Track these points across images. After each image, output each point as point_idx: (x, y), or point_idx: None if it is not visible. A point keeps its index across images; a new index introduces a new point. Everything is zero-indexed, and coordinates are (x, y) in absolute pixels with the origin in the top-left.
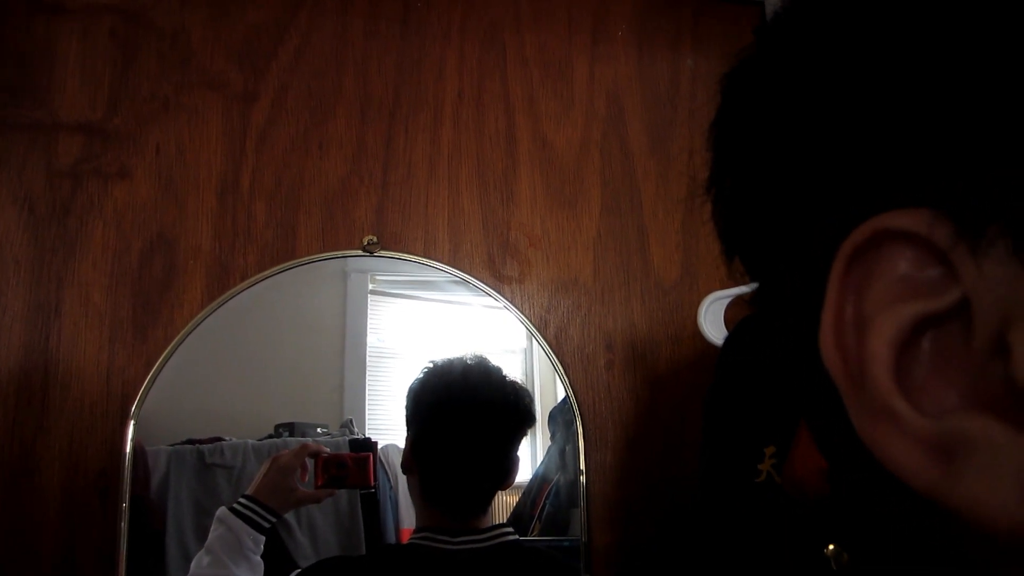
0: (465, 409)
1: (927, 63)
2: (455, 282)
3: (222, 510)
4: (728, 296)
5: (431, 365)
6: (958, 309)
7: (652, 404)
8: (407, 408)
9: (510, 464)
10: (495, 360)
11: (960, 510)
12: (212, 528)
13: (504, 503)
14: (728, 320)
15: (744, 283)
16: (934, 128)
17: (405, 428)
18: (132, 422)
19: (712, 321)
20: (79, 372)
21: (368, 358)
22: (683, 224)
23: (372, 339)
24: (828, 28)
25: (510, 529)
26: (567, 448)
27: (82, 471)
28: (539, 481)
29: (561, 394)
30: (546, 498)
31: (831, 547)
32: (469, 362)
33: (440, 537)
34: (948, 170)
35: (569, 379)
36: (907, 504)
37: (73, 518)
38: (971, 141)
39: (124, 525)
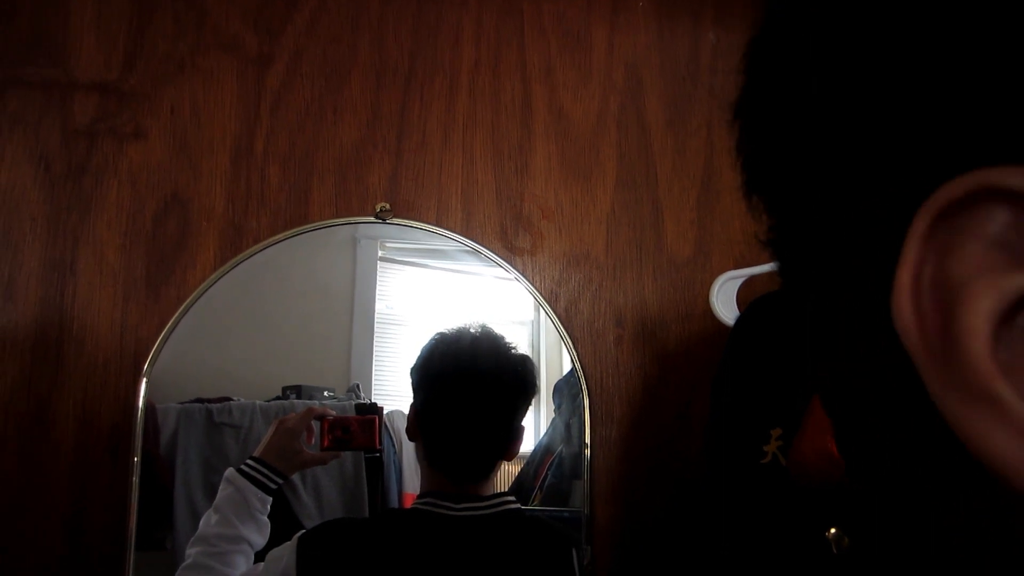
0: (470, 378)
1: None
2: (466, 252)
3: (230, 471)
4: (741, 276)
5: (440, 334)
6: None
7: (660, 381)
8: (413, 375)
9: (513, 434)
10: (501, 331)
11: None
12: (220, 488)
13: (507, 472)
14: (740, 300)
15: (762, 234)
16: None
17: (411, 395)
18: (144, 380)
19: (724, 300)
20: (93, 329)
21: (376, 324)
22: (698, 201)
23: (380, 306)
24: None
25: (512, 498)
26: (572, 421)
27: (95, 426)
28: (542, 452)
29: (567, 367)
30: (548, 469)
31: (833, 531)
32: (475, 332)
33: (443, 503)
34: None
35: (578, 353)
36: (959, 493)
37: (85, 472)
38: None
39: (135, 480)
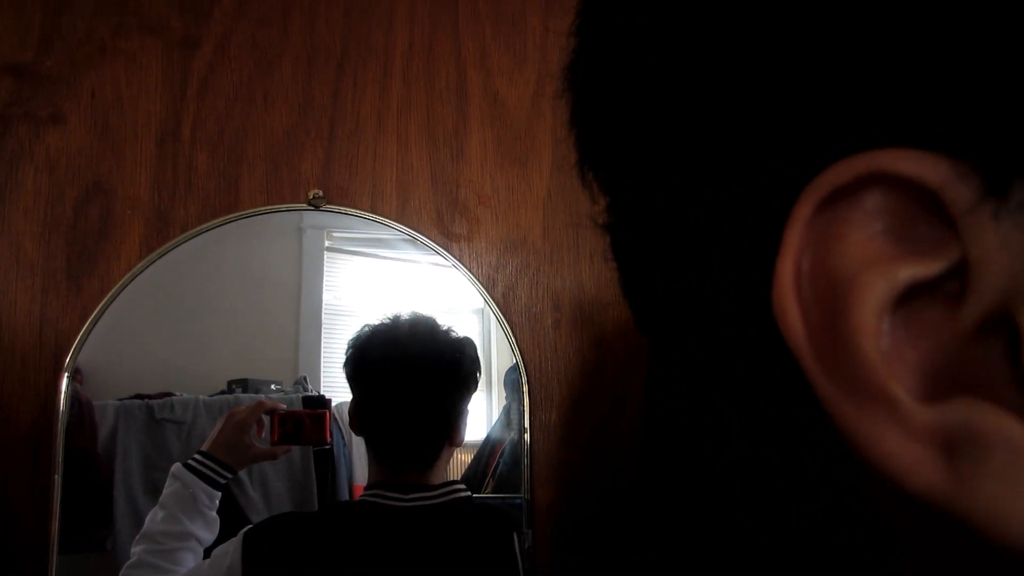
0: (400, 364)
1: None
2: (405, 240)
3: (176, 466)
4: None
5: (370, 324)
6: (949, 275)
7: (598, 364)
8: (346, 368)
9: (455, 421)
10: (444, 318)
11: (970, 519)
12: (167, 484)
13: (459, 461)
14: None
15: (598, 216)
16: (968, 52)
17: (348, 389)
18: (66, 375)
19: None
20: (9, 323)
21: (324, 315)
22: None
23: (328, 296)
24: None
25: (462, 486)
26: (513, 406)
27: (13, 424)
28: (492, 441)
29: (512, 351)
30: (499, 456)
31: None
32: (408, 319)
33: (390, 494)
34: (980, 111)
35: (516, 338)
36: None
37: (5, 471)
38: (1008, 77)
39: (58, 478)
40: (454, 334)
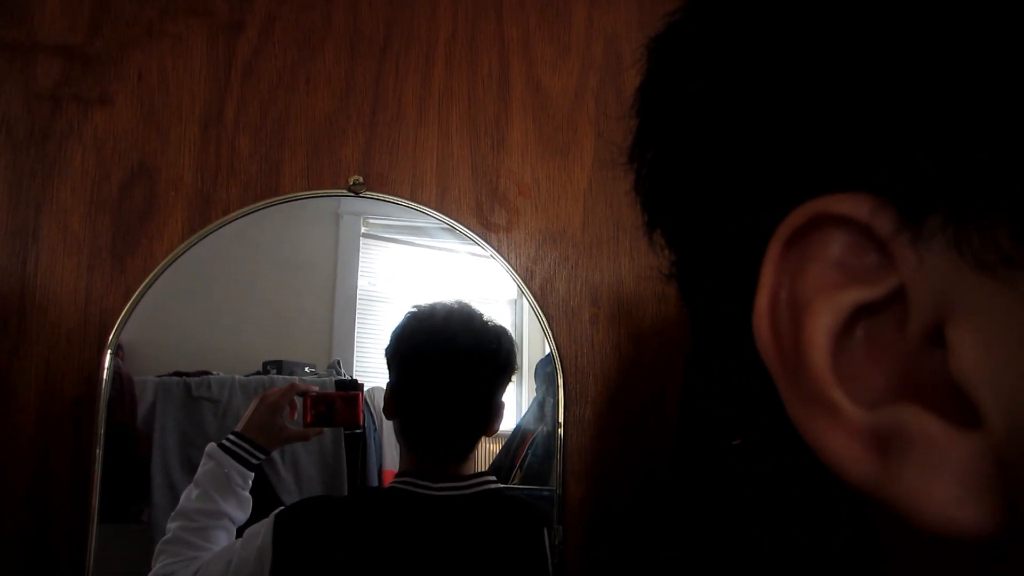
0: (445, 355)
1: (865, 39)
2: (442, 228)
3: (211, 446)
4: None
5: (414, 310)
6: (894, 298)
7: (635, 361)
8: (387, 353)
9: (491, 411)
10: (481, 308)
11: (895, 505)
12: (201, 463)
13: (487, 451)
14: None
15: (665, 268)
16: (874, 109)
17: (387, 373)
18: (109, 351)
19: None
20: (56, 299)
21: (358, 301)
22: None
23: (363, 282)
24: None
25: (492, 477)
26: (547, 400)
27: (58, 398)
28: (522, 432)
29: (548, 344)
30: (528, 448)
31: None
32: (452, 308)
33: (421, 482)
34: (889, 155)
35: (552, 332)
36: (819, 496)
37: (47, 444)
38: (912, 124)
39: (99, 452)
40: (494, 324)
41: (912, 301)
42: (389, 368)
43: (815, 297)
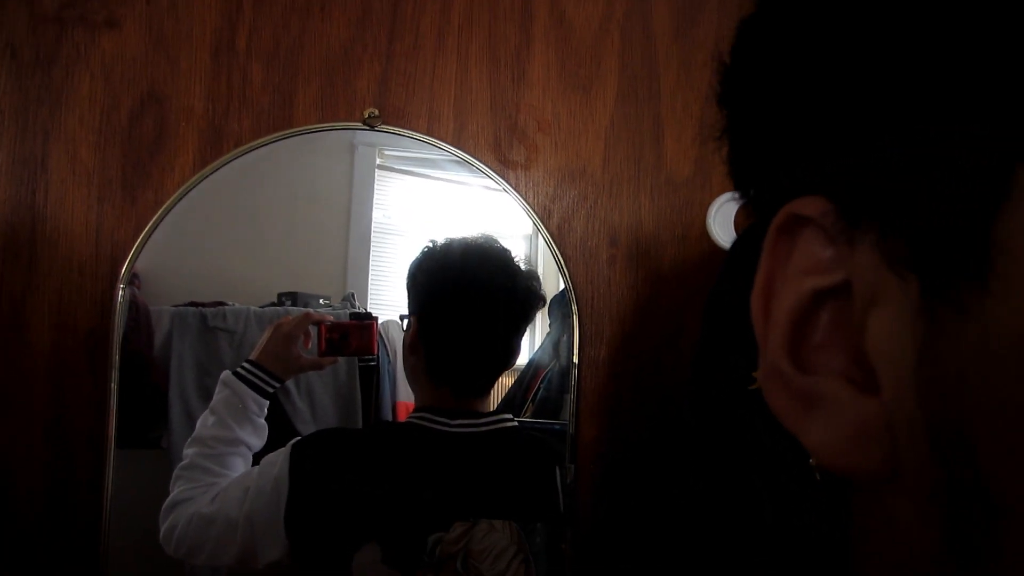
0: (477, 291)
1: (811, 55)
2: (459, 163)
3: (226, 373)
4: (740, 199)
5: (434, 245)
6: (846, 287)
7: (652, 303)
8: (412, 286)
9: (517, 346)
10: (503, 244)
11: (809, 448)
12: (216, 390)
13: (500, 384)
14: (738, 224)
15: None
16: (827, 114)
17: (410, 307)
18: (121, 285)
19: (721, 223)
20: (67, 231)
21: (373, 234)
22: (702, 118)
23: (377, 215)
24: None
25: (509, 416)
26: (563, 339)
27: (71, 329)
28: (535, 367)
29: (563, 283)
30: (540, 383)
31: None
32: (482, 244)
33: (438, 418)
34: (837, 165)
35: (569, 271)
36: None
37: (64, 375)
38: (852, 131)
39: (114, 383)
40: (520, 261)
41: (854, 290)
42: (417, 301)
43: (786, 282)
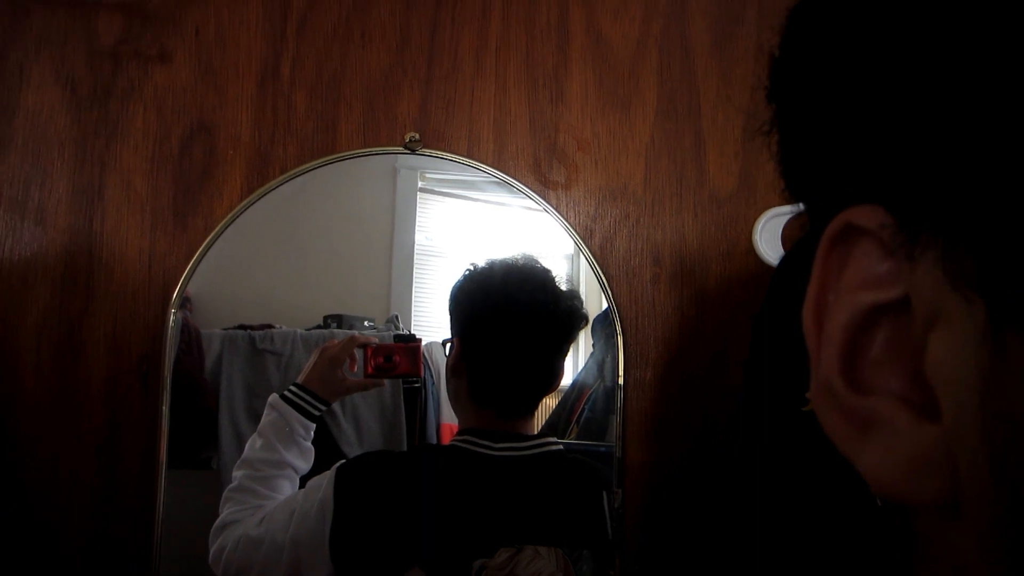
0: (524, 313)
1: (884, 71)
2: (499, 184)
3: (273, 396)
4: (787, 213)
5: (475, 267)
6: (905, 303)
7: (698, 322)
8: (455, 309)
9: (560, 367)
10: (544, 264)
11: (863, 473)
12: (264, 413)
13: (544, 406)
14: (785, 238)
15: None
16: (893, 129)
17: (453, 329)
18: (172, 310)
19: (768, 239)
20: (122, 257)
21: (416, 256)
22: (744, 132)
23: (420, 237)
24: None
25: (554, 439)
26: (607, 360)
27: (125, 354)
28: (578, 387)
29: (606, 303)
30: (585, 404)
31: None
32: (523, 265)
33: (481, 441)
34: (898, 174)
35: (612, 292)
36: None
37: (117, 398)
38: (916, 148)
39: (165, 408)
40: (563, 282)
41: (914, 307)
42: (460, 323)
43: (838, 297)
